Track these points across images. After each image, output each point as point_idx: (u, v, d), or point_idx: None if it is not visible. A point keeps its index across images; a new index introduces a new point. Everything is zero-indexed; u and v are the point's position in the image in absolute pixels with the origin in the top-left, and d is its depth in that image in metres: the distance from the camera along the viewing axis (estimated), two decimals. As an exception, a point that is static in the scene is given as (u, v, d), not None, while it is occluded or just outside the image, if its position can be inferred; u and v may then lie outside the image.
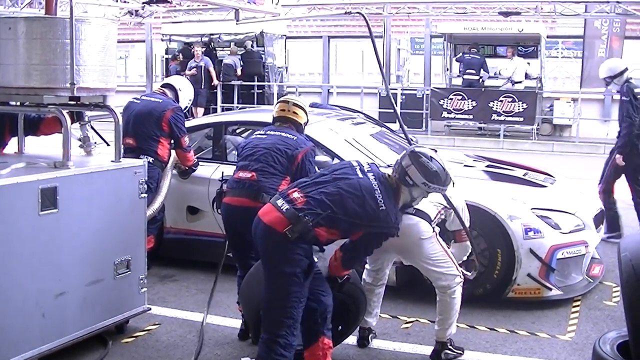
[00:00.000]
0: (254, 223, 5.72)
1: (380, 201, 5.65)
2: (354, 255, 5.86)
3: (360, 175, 5.76)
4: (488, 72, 25.25)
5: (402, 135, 8.54)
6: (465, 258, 6.76)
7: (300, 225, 5.40)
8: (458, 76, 25.97)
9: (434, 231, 6.34)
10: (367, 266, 6.66)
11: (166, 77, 26.67)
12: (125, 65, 36.81)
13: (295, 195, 5.59)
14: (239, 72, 26.40)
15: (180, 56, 27.16)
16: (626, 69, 10.73)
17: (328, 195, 5.54)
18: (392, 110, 24.32)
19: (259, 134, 7.13)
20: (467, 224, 6.61)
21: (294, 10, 24.80)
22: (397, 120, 8.39)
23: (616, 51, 24.07)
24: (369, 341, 6.76)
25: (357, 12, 7.98)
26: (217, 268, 7.37)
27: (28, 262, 5.71)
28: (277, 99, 25.31)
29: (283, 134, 6.97)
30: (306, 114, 7.28)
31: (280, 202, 5.59)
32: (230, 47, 27.20)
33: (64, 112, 6.30)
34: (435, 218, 6.44)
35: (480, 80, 24.93)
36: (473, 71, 24.84)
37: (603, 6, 22.55)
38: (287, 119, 7.13)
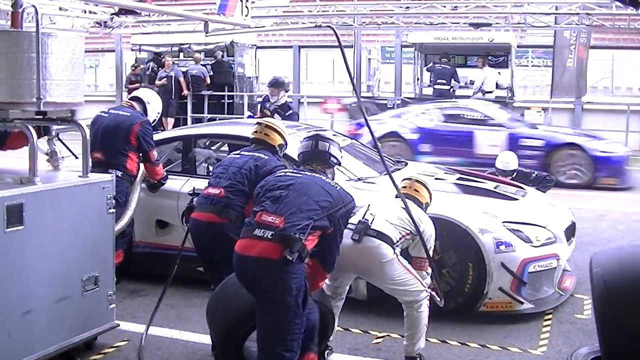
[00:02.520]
0: (236, 262, 5.56)
1: (331, 182, 5.84)
2: (329, 254, 5.80)
3: (299, 175, 5.83)
4: (459, 82, 25.26)
5: (372, 147, 8.52)
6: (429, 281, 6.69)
7: (296, 244, 5.28)
8: (429, 86, 25.94)
9: (395, 253, 6.28)
10: (326, 281, 6.58)
11: (126, 85, 26.72)
12: (95, 74, 36.65)
13: (267, 218, 5.47)
14: (208, 80, 26.27)
15: (140, 67, 27.07)
16: None
17: (297, 203, 5.50)
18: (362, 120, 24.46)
19: (234, 154, 7.20)
20: (432, 254, 6.58)
21: (264, 21, 24.75)
22: (369, 130, 8.34)
23: (583, 60, 24.21)
24: (325, 357, 6.66)
25: (327, 26, 7.93)
26: (166, 280, 7.27)
27: (-7, 280, 5.61)
28: (247, 109, 25.54)
29: (255, 154, 7.04)
30: (282, 136, 7.28)
31: (258, 231, 5.43)
32: (193, 56, 27.03)
33: (30, 126, 6.20)
34: (398, 242, 6.37)
35: (451, 90, 24.93)
36: (444, 81, 24.82)
37: (573, 17, 22.70)
38: (262, 141, 7.18)
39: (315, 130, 7.62)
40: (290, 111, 12.51)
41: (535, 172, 11.57)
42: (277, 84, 12.50)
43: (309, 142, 6.25)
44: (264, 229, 5.40)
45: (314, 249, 5.51)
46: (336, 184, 5.87)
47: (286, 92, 13.09)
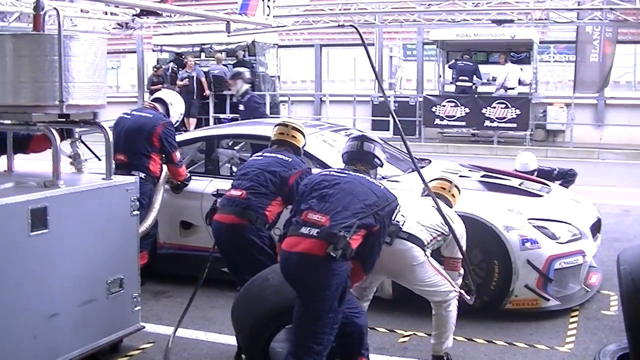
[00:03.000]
0: (282, 259, 5.58)
1: (375, 181, 5.87)
2: (371, 255, 5.77)
3: (344, 175, 5.83)
4: (481, 79, 25.27)
5: (392, 145, 8.49)
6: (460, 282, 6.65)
7: (341, 242, 5.27)
8: (451, 83, 25.94)
9: (425, 255, 6.25)
10: None
11: (148, 86, 26.72)
12: (116, 75, 36.80)
13: (313, 216, 5.47)
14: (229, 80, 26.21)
15: (162, 68, 27.06)
16: None
17: (343, 202, 5.50)
18: (385, 118, 24.45)
19: (257, 156, 7.25)
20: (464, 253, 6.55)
21: (285, 21, 24.73)
22: (395, 128, 8.30)
23: (608, 55, 24.02)
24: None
25: (350, 25, 7.92)
26: (197, 282, 7.29)
27: (19, 284, 5.61)
28: (270, 108, 25.57)
29: (279, 155, 7.09)
30: (304, 137, 7.37)
31: (304, 229, 5.43)
32: (214, 56, 27.03)
33: (53, 129, 6.21)
34: (429, 243, 6.33)
35: (474, 86, 24.92)
36: (466, 78, 24.82)
37: (596, 13, 22.55)
38: (285, 142, 7.23)
39: (359, 131, 7.63)
40: (248, 95, 13.45)
41: (557, 169, 11.49)
42: (234, 76, 13.59)
43: (354, 143, 6.26)
44: (309, 227, 5.41)
45: (357, 248, 5.48)
46: (380, 183, 5.90)
47: (247, 83, 13.89)
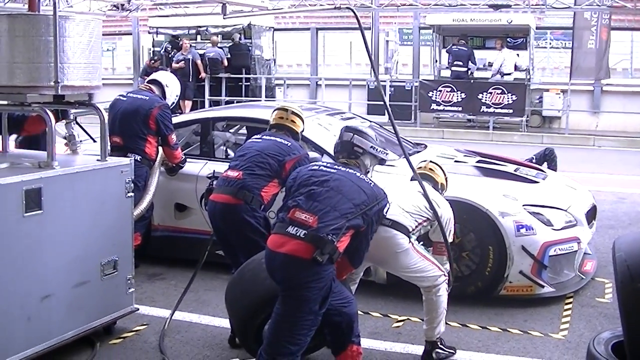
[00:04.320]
0: (266, 257, 5.51)
1: (365, 178, 5.73)
2: (358, 251, 5.73)
3: (333, 170, 5.70)
4: (476, 64, 25.26)
5: (388, 130, 8.48)
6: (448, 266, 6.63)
7: (328, 246, 5.21)
8: (447, 68, 25.92)
9: (410, 242, 6.20)
10: None
11: (141, 75, 26.68)
12: (112, 57, 36.70)
13: (301, 216, 5.37)
14: (225, 63, 26.27)
15: (158, 62, 26.93)
16: None
17: (331, 202, 5.40)
18: (381, 103, 24.37)
19: (255, 138, 7.23)
20: (450, 239, 6.51)
21: (281, 3, 24.68)
22: (386, 113, 8.30)
23: (605, 42, 24.00)
24: None
25: (347, 7, 7.88)
26: (197, 265, 7.31)
27: (12, 265, 5.61)
28: (265, 91, 25.55)
29: (278, 139, 7.08)
30: (303, 122, 7.37)
31: (290, 229, 5.34)
32: (210, 39, 27.02)
33: (48, 110, 6.18)
34: (415, 229, 6.28)
35: (469, 72, 24.91)
36: (460, 63, 24.82)
37: (594, -1, 22.59)
38: (284, 127, 7.24)
39: (353, 115, 7.52)
40: None
41: (533, 157, 11.53)
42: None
43: (339, 134, 6.14)
44: (297, 227, 5.32)
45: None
46: (370, 180, 5.75)
47: None
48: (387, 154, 6.20)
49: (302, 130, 7.42)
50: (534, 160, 11.20)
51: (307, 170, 5.80)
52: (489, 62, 25.64)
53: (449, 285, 6.55)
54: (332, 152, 7.73)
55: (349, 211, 5.38)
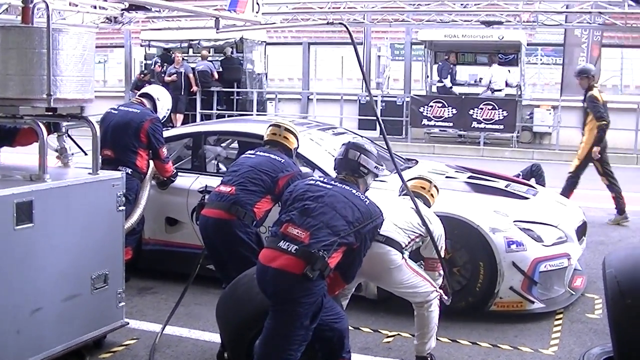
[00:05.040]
0: (258, 271, 5.51)
1: (361, 196, 5.71)
2: (351, 268, 5.74)
3: (329, 186, 5.70)
4: (454, 80, 25.54)
5: (379, 145, 8.49)
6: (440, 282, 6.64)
7: (319, 262, 5.21)
8: (438, 82, 26.04)
9: (403, 258, 6.20)
10: None
11: (131, 89, 26.66)
12: (104, 70, 36.68)
13: (293, 231, 5.38)
14: (215, 75, 26.30)
15: (148, 76, 26.93)
16: None
17: (324, 218, 5.40)
18: (372, 118, 24.43)
19: (249, 154, 7.21)
20: (443, 254, 6.52)
21: (274, 18, 24.72)
22: (378, 128, 8.30)
23: (596, 59, 24.07)
24: None
25: (340, 23, 7.88)
26: (188, 279, 7.29)
27: (2, 278, 5.58)
28: (257, 105, 25.55)
29: (272, 155, 7.07)
30: (297, 139, 7.36)
31: (282, 244, 5.34)
32: (201, 53, 27.06)
33: (40, 123, 6.17)
34: (407, 245, 6.29)
35: (445, 86, 25.17)
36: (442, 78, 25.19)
37: (585, 16, 22.64)
38: (278, 143, 7.24)
39: (345, 130, 7.52)
40: None
41: (520, 173, 11.57)
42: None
43: (341, 150, 6.12)
44: (288, 242, 5.32)
45: (337, 262, 5.46)
46: (366, 197, 5.73)
47: None
48: (383, 169, 6.23)
49: (297, 147, 7.41)
50: (520, 176, 11.22)
51: (304, 185, 5.81)
52: (480, 78, 25.73)
53: (448, 298, 6.57)
54: (323, 167, 7.76)
55: (341, 228, 5.39)
